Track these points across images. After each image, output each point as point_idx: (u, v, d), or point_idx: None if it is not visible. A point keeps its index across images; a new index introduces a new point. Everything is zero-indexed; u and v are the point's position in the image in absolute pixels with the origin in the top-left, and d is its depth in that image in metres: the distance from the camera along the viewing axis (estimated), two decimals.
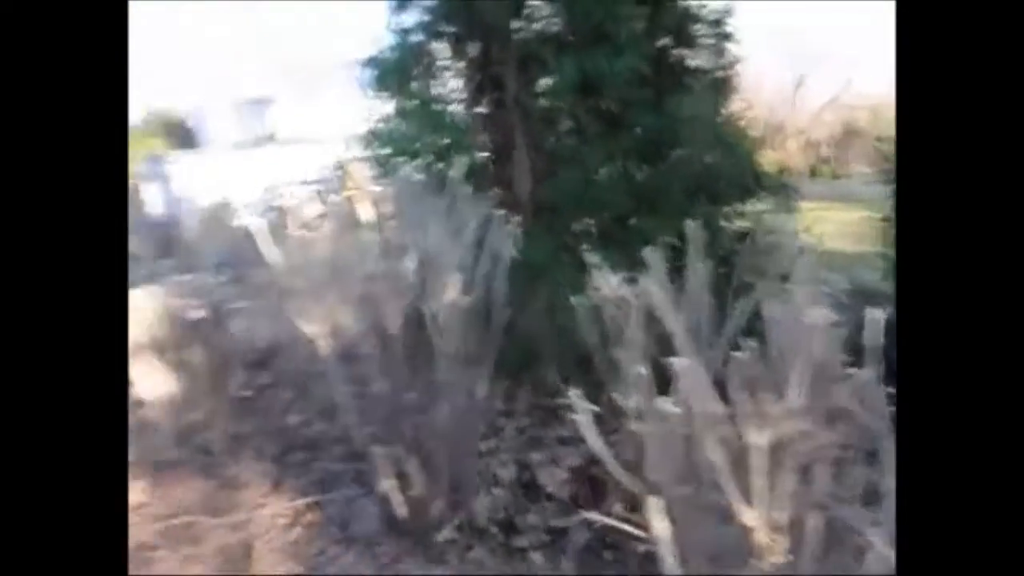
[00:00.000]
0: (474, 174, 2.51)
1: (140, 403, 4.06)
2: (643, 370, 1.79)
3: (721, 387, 1.65)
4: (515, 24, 4.27)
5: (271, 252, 2.18)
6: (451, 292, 2.30)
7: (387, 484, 2.58)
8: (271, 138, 28.44)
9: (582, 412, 1.72)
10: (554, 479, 3.22)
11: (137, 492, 3.61)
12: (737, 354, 1.57)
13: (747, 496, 1.58)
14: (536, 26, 4.48)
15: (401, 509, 2.63)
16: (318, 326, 2.36)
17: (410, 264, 2.37)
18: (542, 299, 4.07)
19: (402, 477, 2.65)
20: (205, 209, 18.97)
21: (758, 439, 1.52)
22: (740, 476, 1.57)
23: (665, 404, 1.61)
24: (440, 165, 2.52)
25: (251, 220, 2.20)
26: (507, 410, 3.70)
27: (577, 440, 3.55)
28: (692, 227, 1.94)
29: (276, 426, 4.08)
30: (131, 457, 3.95)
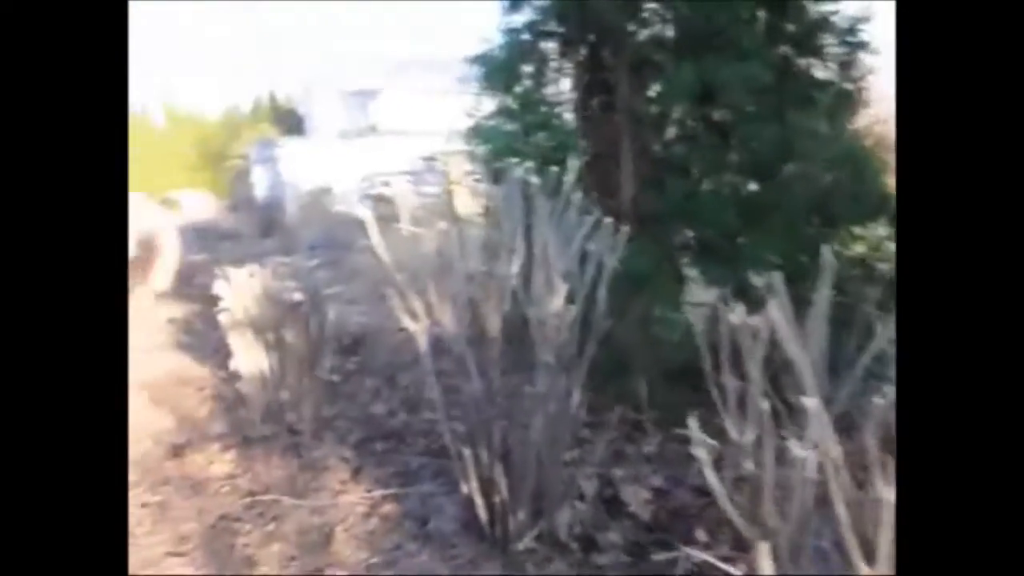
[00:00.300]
0: (579, 178, 2.44)
1: (237, 376, 4.19)
2: (766, 405, 1.66)
3: (844, 431, 1.52)
4: (629, 27, 4.17)
5: (379, 242, 2.15)
6: (557, 300, 2.23)
7: (470, 486, 2.53)
8: (374, 129, 29.26)
9: (701, 445, 1.61)
10: (637, 498, 3.10)
11: (226, 463, 3.72)
12: (876, 399, 1.43)
13: (869, 553, 1.44)
14: (650, 30, 4.37)
15: (482, 512, 2.58)
16: (415, 319, 2.33)
17: (514, 267, 2.31)
18: (639, 310, 3.96)
19: (485, 480, 2.59)
20: (306, 194, 19.72)
21: (888, 493, 1.37)
22: (863, 530, 1.43)
23: (795, 447, 1.48)
24: (549, 168, 2.46)
25: (360, 209, 2.18)
26: (593, 422, 3.60)
27: (661, 458, 3.44)
28: (826, 252, 1.78)
29: (361, 413, 4.13)
30: (223, 428, 4.11)
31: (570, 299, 2.31)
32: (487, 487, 2.64)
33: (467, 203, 2.40)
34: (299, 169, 22.76)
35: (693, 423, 1.63)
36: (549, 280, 2.25)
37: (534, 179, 2.24)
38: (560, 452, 2.63)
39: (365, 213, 2.15)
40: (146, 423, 4.39)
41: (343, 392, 4.44)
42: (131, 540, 3.08)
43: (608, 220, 2.52)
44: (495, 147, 4.32)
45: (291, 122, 36.48)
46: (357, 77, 33.35)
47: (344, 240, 10.25)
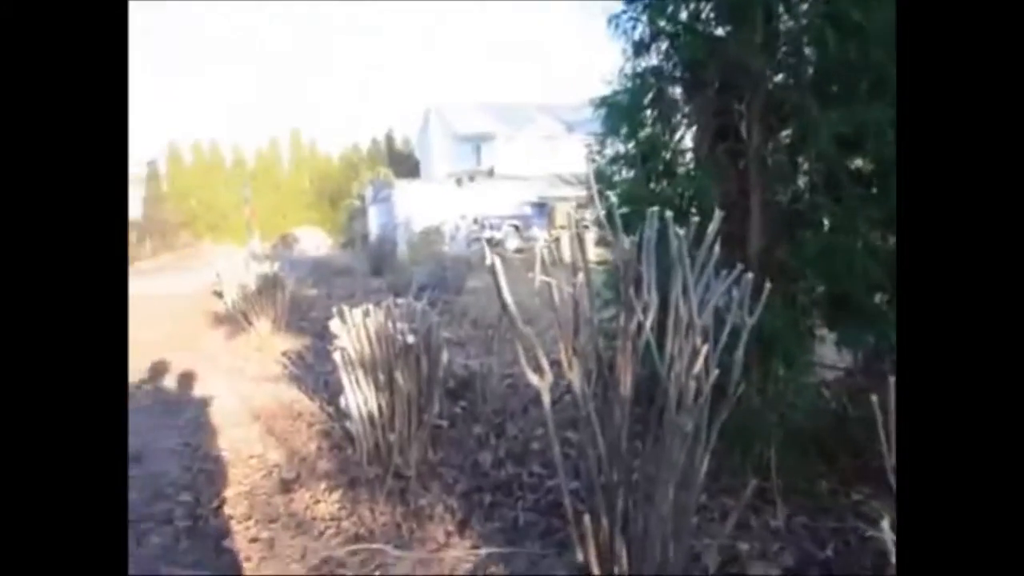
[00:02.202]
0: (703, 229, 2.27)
1: (346, 415, 4.19)
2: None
3: None
4: (763, 70, 3.98)
5: (507, 292, 2.05)
6: (698, 362, 2.05)
7: (587, 552, 2.34)
8: (487, 172, 29.95)
9: (889, 532, 1.39)
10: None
11: (331, 504, 3.68)
12: None
13: None
14: (782, 74, 4.17)
15: None
16: (540, 373, 2.20)
17: (648, 321, 2.15)
18: (766, 371, 3.70)
19: (605, 548, 2.40)
20: (417, 234, 20.28)
21: None
22: None
23: None
24: (678, 217, 2.32)
25: (488, 256, 2.08)
26: (715, 489, 3.35)
27: (789, 534, 3.14)
28: None
29: (467, 461, 4.01)
30: (331, 467, 4.10)
31: (709, 362, 2.13)
32: (606, 555, 2.45)
33: (583, 250, 2.26)
34: (412, 210, 23.53)
35: (879, 511, 1.41)
36: (689, 339, 2.07)
37: (679, 229, 2.08)
38: (686, 524, 2.42)
39: (492, 260, 2.04)
40: (259, 454, 4.46)
41: (449, 438, 4.36)
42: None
43: (749, 275, 2.33)
44: (620, 194, 4.20)
45: (407, 164, 37.93)
46: (471, 121, 34.39)
47: (453, 282, 10.35)
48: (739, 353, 2.32)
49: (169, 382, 6.56)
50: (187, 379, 6.58)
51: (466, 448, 4.20)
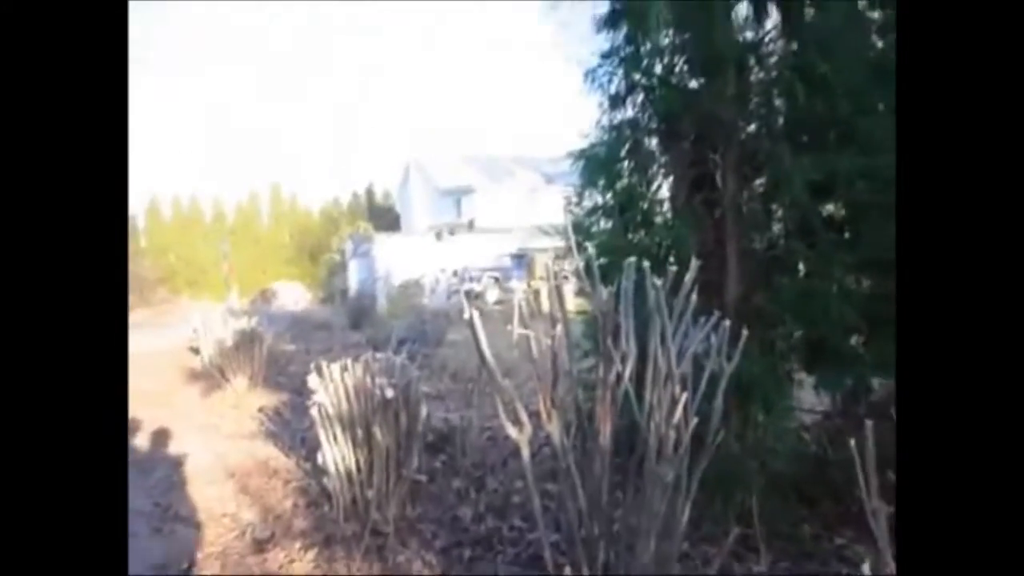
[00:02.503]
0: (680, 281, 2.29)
1: (323, 471, 4.10)
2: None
3: None
4: (737, 121, 4.09)
5: (485, 344, 2.03)
6: (677, 410, 2.04)
7: None
8: (467, 225, 30.11)
9: None
10: None
11: (307, 563, 3.57)
12: None
13: None
14: (755, 124, 4.28)
15: None
16: (518, 426, 2.17)
17: (627, 371, 2.14)
18: (745, 417, 3.69)
19: None
20: (397, 288, 20.22)
21: None
22: None
23: None
24: (655, 266, 2.33)
25: (466, 309, 2.07)
26: (696, 537, 3.30)
27: None
28: None
29: (446, 516, 3.93)
30: (306, 525, 3.99)
31: (688, 412, 2.12)
32: None
33: (561, 302, 2.26)
34: (392, 263, 23.53)
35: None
36: (668, 388, 2.06)
37: (656, 280, 2.09)
38: (669, 573, 2.37)
39: (471, 313, 2.04)
40: (232, 513, 4.33)
41: (429, 492, 4.27)
42: None
43: (727, 322, 2.34)
44: (598, 244, 4.23)
45: (388, 217, 38.09)
46: (452, 175, 34.74)
47: (433, 335, 10.29)
48: (718, 400, 2.32)
49: (142, 440, 6.40)
50: (160, 437, 6.43)
51: (446, 503, 4.12)
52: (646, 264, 2.17)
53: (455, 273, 23.05)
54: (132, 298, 26.58)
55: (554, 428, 2.15)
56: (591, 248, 4.12)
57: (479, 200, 33.40)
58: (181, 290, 33.54)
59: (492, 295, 21.89)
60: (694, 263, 2.28)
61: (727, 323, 2.36)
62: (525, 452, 2.20)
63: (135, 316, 23.64)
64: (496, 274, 23.93)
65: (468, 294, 21.30)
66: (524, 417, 2.15)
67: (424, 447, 4.49)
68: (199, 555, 3.75)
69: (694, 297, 2.28)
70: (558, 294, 2.26)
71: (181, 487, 4.93)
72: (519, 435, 2.16)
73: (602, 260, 4.01)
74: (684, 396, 2.07)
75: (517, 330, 2.18)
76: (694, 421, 2.09)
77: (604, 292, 2.27)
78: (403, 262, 23.21)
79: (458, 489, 4.29)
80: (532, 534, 3.53)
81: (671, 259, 3.94)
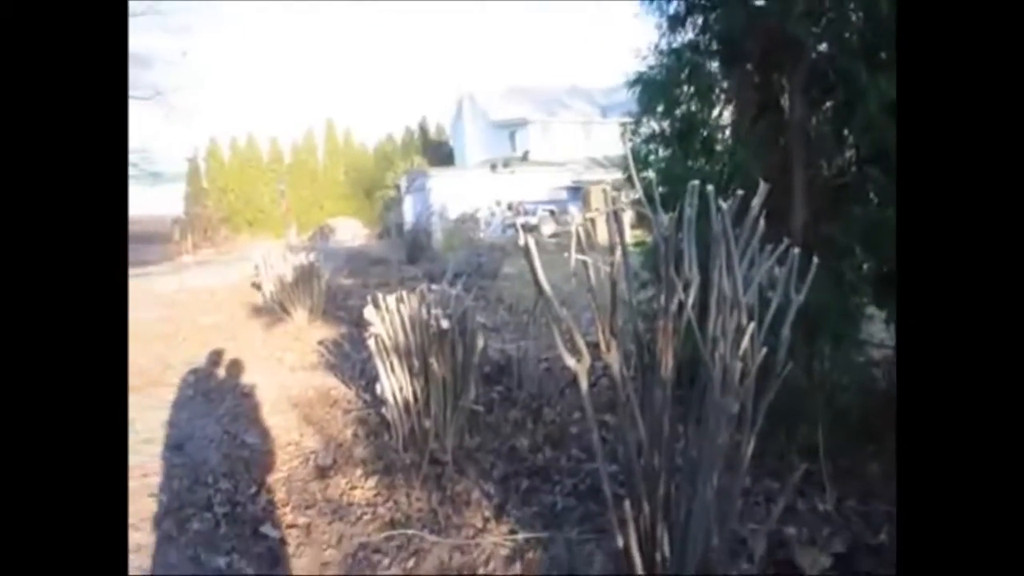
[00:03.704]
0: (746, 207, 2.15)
1: (382, 401, 4.16)
2: None
3: None
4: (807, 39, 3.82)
5: (542, 273, 1.97)
6: (744, 341, 1.95)
7: (627, 538, 2.26)
8: (521, 157, 29.83)
9: None
10: (816, 564, 2.72)
11: (367, 490, 3.66)
12: None
13: None
14: (826, 43, 4.01)
15: (639, 568, 2.30)
16: (578, 356, 2.12)
17: (690, 300, 2.05)
18: (812, 350, 3.57)
19: (646, 534, 2.32)
20: (452, 222, 20.26)
21: None
22: None
23: None
24: (718, 193, 2.19)
25: (521, 237, 2.00)
26: (760, 472, 3.24)
27: (840, 520, 3.02)
28: None
29: (505, 447, 3.96)
30: (366, 453, 4.08)
31: (754, 341, 2.02)
32: (647, 541, 2.37)
33: (620, 229, 2.16)
34: (447, 198, 23.52)
35: None
36: (733, 317, 1.97)
37: (723, 203, 1.98)
38: (731, 508, 2.32)
39: (526, 240, 1.97)
40: (296, 441, 4.46)
41: (486, 423, 4.30)
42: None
43: (796, 251, 2.22)
44: (658, 172, 4.08)
45: (441, 152, 37.96)
46: (505, 107, 34.25)
47: (488, 267, 10.29)
48: (785, 331, 2.22)
49: (210, 372, 6.64)
50: (228, 369, 6.64)
51: (503, 433, 4.15)
52: (710, 188, 2.05)
53: (510, 206, 22.93)
54: (196, 237, 27.41)
55: (613, 358, 2.08)
56: (651, 173, 3.98)
57: (533, 133, 32.96)
58: (241, 228, 34.33)
59: (547, 228, 21.76)
60: (763, 186, 2.15)
61: (796, 251, 2.23)
62: (583, 383, 2.15)
63: (200, 255, 24.38)
64: (551, 207, 23.73)
65: (523, 227, 21.17)
66: (582, 346, 2.09)
67: (481, 378, 4.51)
68: (268, 480, 3.89)
69: (762, 223, 2.16)
70: (616, 221, 2.17)
71: (247, 416, 5.09)
72: (577, 365, 2.11)
73: (662, 189, 3.87)
74: (751, 325, 1.97)
75: (575, 256, 2.10)
76: (762, 352, 2.00)
77: (665, 218, 2.17)
78: (458, 196, 23.18)
79: (515, 419, 4.31)
80: (590, 465, 3.52)
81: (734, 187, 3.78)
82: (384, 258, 16.59)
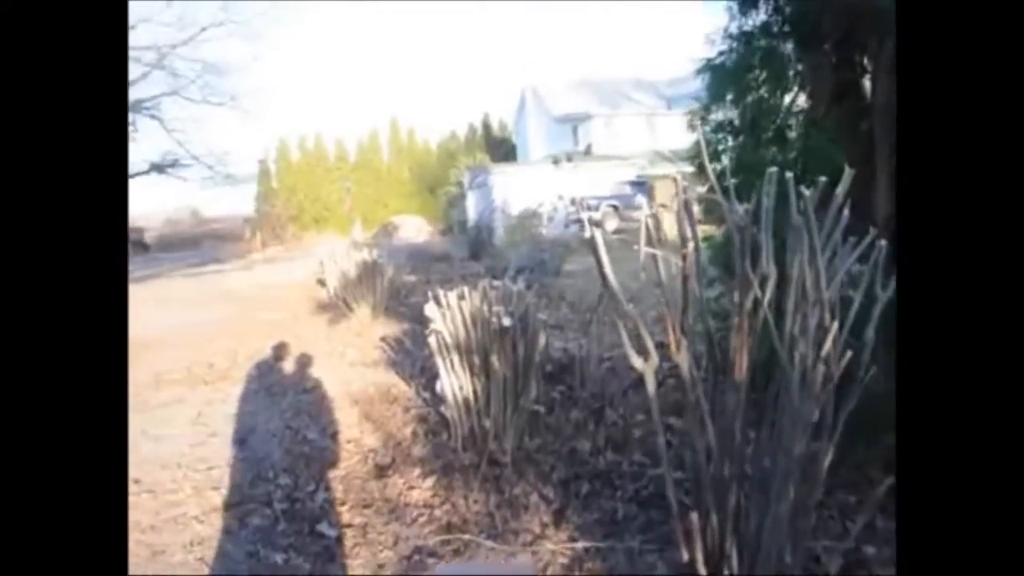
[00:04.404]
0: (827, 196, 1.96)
1: (441, 399, 4.10)
2: None
3: None
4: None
5: (607, 266, 1.84)
6: (827, 343, 1.78)
7: (693, 551, 2.12)
8: (583, 151, 29.55)
9: None
10: None
11: (425, 491, 3.59)
12: None
13: None
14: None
15: None
16: (646, 356, 1.98)
17: (764, 298, 1.89)
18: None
19: (714, 547, 2.17)
20: (514, 218, 20.20)
21: None
22: None
23: None
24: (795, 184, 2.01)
25: (587, 229, 1.88)
26: (836, 484, 3.02)
27: None
28: None
29: (565, 449, 3.83)
30: (424, 452, 4.02)
31: (837, 343, 1.84)
32: (714, 555, 2.21)
33: (691, 221, 2.01)
34: (510, 194, 23.45)
35: None
36: (815, 316, 1.80)
37: (804, 191, 1.81)
38: (805, 523, 2.15)
39: (592, 234, 1.84)
40: (356, 438, 4.44)
41: (546, 423, 4.19)
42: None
43: (882, 243, 2.02)
44: (729, 162, 3.89)
45: (503, 148, 37.97)
46: (568, 101, 34.00)
47: (551, 264, 10.15)
48: (869, 332, 2.03)
49: (274, 367, 6.72)
50: (290, 364, 6.71)
51: (564, 434, 4.02)
52: (788, 175, 1.88)
53: (572, 202, 22.69)
54: (265, 236, 28.13)
55: (683, 359, 1.93)
56: (725, 160, 3.79)
57: (596, 126, 32.59)
58: (308, 226, 35.06)
59: (611, 223, 21.45)
60: (847, 172, 1.96)
61: (883, 244, 2.03)
62: (650, 384, 2.00)
63: (268, 252, 25.02)
64: (615, 202, 23.38)
65: (589, 222, 20.92)
66: (651, 346, 1.95)
67: (542, 377, 4.39)
68: (324, 477, 3.86)
69: (846, 213, 1.97)
70: (687, 212, 2.01)
71: (309, 412, 5.11)
72: (644, 365, 1.97)
73: (733, 180, 3.68)
74: (834, 325, 1.80)
75: (644, 250, 1.96)
76: (846, 356, 1.82)
77: (740, 208, 2.01)
78: (520, 192, 23.07)
79: (576, 420, 4.18)
80: (654, 470, 3.37)
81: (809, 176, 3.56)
82: (447, 254, 16.66)
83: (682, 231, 2.04)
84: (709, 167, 2.20)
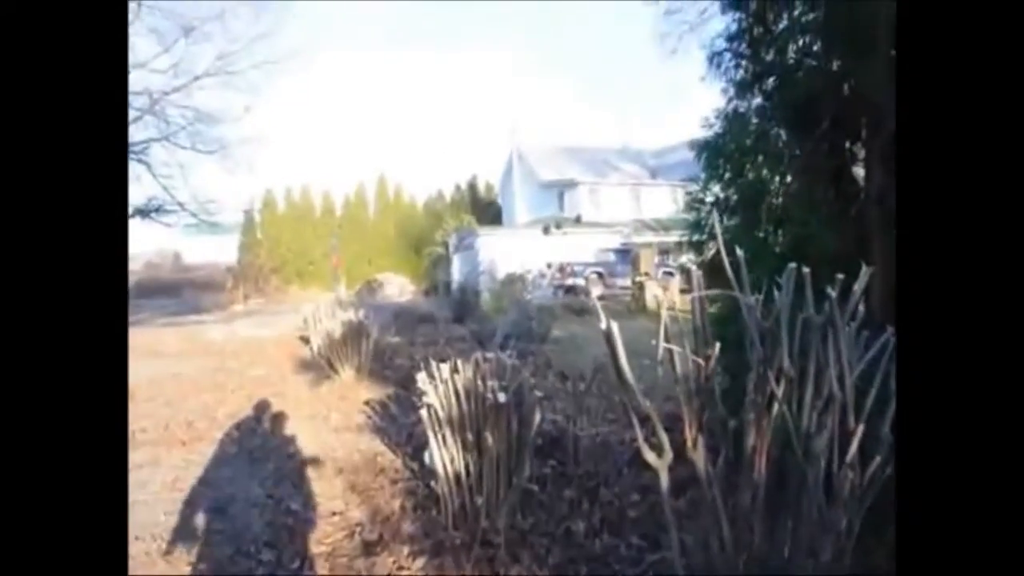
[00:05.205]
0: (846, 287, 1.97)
1: (431, 472, 3.99)
2: None
3: None
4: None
5: (623, 359, 1.81)
6: (852, 448, 1.74)
7: None
8: (574, 220, 29.88)
9: None
10: None
11: (415, 571, 3.45)
12: None
13: None
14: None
15: None
16: (658, 452, 1.93)
17: (779, 392, 1.86)
18: None
19: None
20: (499, 281, 20.23)
21: None
22: None
23: None
24: (781, 268, 2.02)
25: (603, 320, 1.85)
26: None
27: None
28: None
29: (560, 529, 3.73)
30: (414, 529, 3.89)
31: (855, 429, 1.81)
32: None
33: (703, 313, 1.99)
34: (495, 257, 23.58)
35: None
36: (830, 414, 1.77)
37: (830, 290, 1.80)
38: None
39: (608, 324, 1.81)
40: (341, 511, 4.30)
41: (538, 501, 4.08)
42: None
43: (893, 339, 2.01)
44: (733, 241, 3.92)
45: (490, 211, 38.31)
46: (554, 167, 34.55)
47: (538, 331, 10.12)
48: (885, 429, 2.00)
49: (256, 427, 6.56)
50: (273, 427, 6.55)
51: (557, 513, 3.92)
52: (805, 271, 1.88)
53: (561, 268, 22.85)
54: (248, 288, 27.91)
55: (699, 457, 1.89)
56: (739, 251, 3.83)
57: (582, 193, 33.06)
58: (292, 280, 34.86)
59: (596, 290, 21.57)
60: (865, 269, 1.96)
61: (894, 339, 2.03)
62: (664, 480, 1.95)
63: (251, 304, 24.78)
64: (599, 268, 23.57)
65: (572, 289, 21.09)
66: (665, 441, 1.90)
67: (536, 452, 4.31)
68: (309, 553, 3.71)
69: (862, 309, 1.97)
70: (702, 308, 2.00)
71: (291, 480, 4.95)
72: (658, 461, 1.92)
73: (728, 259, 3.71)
74: (860, 429, 1.77)
75: (662, 345, 1.92)
76: (874, 462, 1.78)
77: (752, 300, 2.00)
78: (505, 256, 23.21)
79: (570, 499, 4.08)
80: (653, 555, 3.27)
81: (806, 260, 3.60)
82: (431, 315, 16.56)
83: (695, 323, 2.02)
84: (722, 249, 2.19)
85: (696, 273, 2.05)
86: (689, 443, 1.90)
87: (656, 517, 3.72)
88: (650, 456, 1.92)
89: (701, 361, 1.90)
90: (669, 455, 1.93)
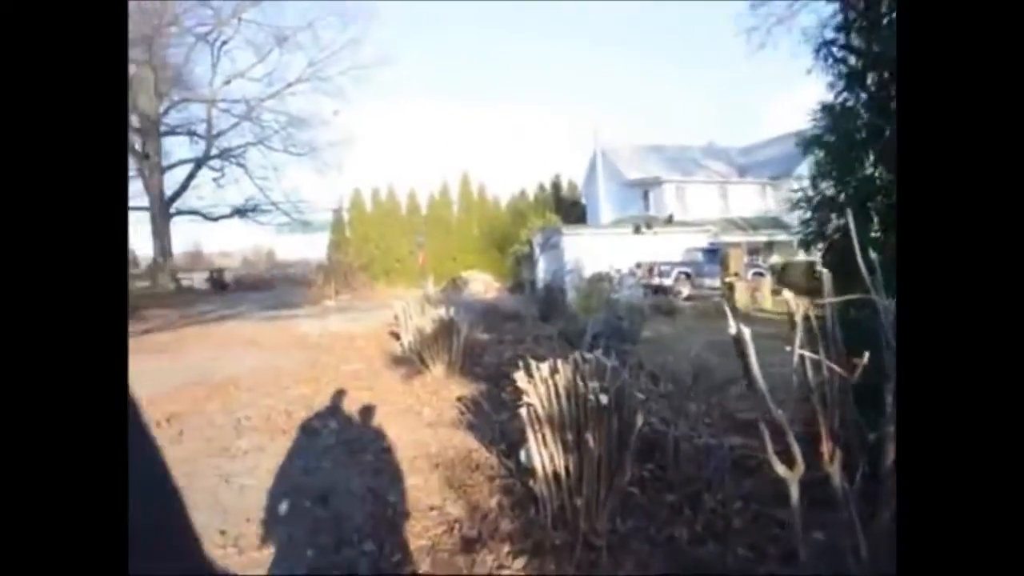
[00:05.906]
0: None
1: (528, 470, 3.99)
2: None
3: None
4: None
5: (755, 365, 1.74)
6: None
7: None
8: (665, 219, 29.49)
9: None
10: None
11: (516, 571, 3.46)
12: None
13: None
14: None
15: None
16: (791, 464, 1.85)
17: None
18: None
19: None
20: (586, 280, 20.13)
21: None
22: None
23: None
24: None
25: (732, 324, 1.79)
26: None
27: None
28: None
29: (662, 535, 3.66)
30: (513, 528, 3.89)
31: None
32: None
33: (833, 318, 1.89)
34: (581, 256, 23.49)
35: None
36: None
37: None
38: None
39: (739, 329, 1.75)
40: (439, 506, 4.35)
41: (638, 504, 4.02)
42: None
43: None
44: (843, 239, 3.77)
45: (574, 210, 38.22)
46: (638, 166, 34.15)
47: (629, 331, 9.98)
48: None
49: (353, 421, 6.73)
50: (368, 421, 6.71)
51: (658, 519, 3.84)
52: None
53: (649, 269, 22.55)
54: (338, 284, 28.73)
55: (835, 470, 1.81)
56: (872, 254, 3.68)
57: (667, 192, 32.56)
58: (379, 276, 35.71)
59: (684, 290, 21.17)
60: None
61: None
62: (794, 493, 1.87)
63: (340, 300, 25.51)
64: (687, 268, 23.13)
65: (659, 288, 20.78)
66: (797, 454, 1.83)
67: (636, 454, 4.24)
68: (410, 547, 3.77)
69: None
70: (832, 312, 1.90)
71: (389, 473, 5.05)
72: (789, 473, 1.85)
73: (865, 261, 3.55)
74: None
75: (796, 352, 1.85)
76: None
77: (889, 303, 1.89)
78: (591, 254, 23.08)
79: (671, 504, 4.00)
80: (763, 568, 3.16)
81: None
82: (517, 313, 16.63)
83: (829, 330, 1.93)
84: (859, 251, 2.09)
85: (827, 275, 1.96)
86: (826, 456, 1.82)
87: (762, 527, 3.60)
88: (780, 468, 1.85)
89: (838, 368, 1.81)
90: (801, 467, 1.85)
